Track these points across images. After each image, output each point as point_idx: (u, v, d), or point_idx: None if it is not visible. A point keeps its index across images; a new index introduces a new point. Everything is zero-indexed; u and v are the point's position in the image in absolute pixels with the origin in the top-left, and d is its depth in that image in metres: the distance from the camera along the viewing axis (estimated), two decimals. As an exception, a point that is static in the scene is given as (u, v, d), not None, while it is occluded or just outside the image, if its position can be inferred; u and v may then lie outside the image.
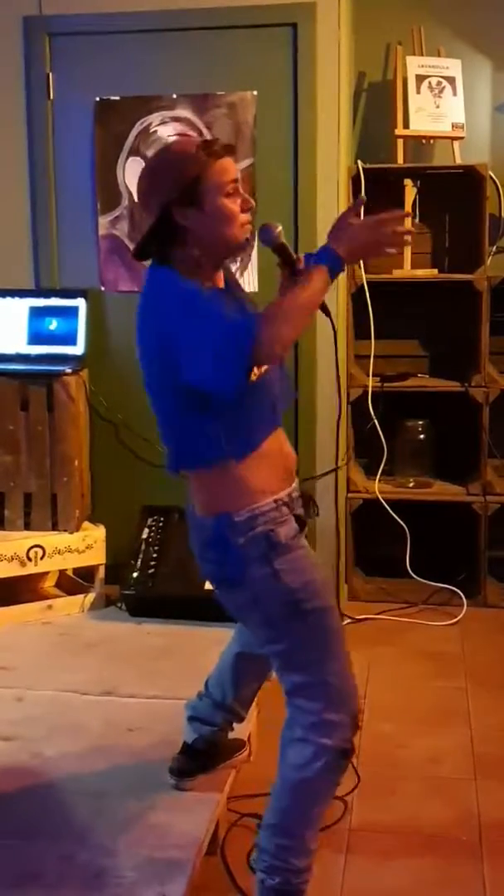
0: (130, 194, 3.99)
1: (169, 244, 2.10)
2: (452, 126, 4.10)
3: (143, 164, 3.91)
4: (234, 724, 2.63)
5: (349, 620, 3.99)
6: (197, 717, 2.59)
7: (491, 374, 4.10)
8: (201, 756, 2.57)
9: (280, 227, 2.17)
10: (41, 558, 3.81)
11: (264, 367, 2.06)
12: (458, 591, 4.15)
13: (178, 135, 3.92)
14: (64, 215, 4.06)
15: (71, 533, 3.87)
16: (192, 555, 2.27)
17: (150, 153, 3.94)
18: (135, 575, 3.73)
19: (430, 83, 4.10)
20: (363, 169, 4.00)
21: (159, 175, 2.10)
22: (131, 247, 4.01)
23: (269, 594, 2.10)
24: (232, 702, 2.56)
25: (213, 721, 2.57)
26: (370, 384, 4.12)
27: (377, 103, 4.30)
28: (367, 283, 4.05)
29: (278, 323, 1.95)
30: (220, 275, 2.20)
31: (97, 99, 3.96)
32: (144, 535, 3.87)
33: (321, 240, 3.95)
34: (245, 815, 2.58)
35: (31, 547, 3.78)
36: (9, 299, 4.01)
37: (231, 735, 2.66)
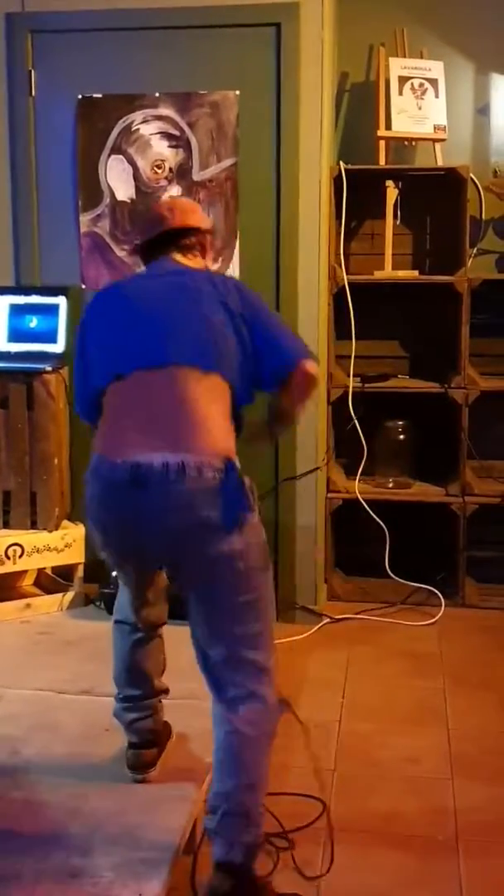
0: (112, 192, 3.98)
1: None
2: (434, 128, 4.12)
3: (125, 161, 3.95)
4: (163, 700, 2.68)
5: (328, 620, 4.00)
6: (133, 719, 2.62)
7: (471, 375, 4.12)
8: (152, 744, 2.62)
9: None
10: (20, 557, 3.80)
11: None
12: (437, 592, 4.16)
13: (160, 133, 3.92)
14: (45, 213, 4.04)
15: (50, 531, 3.87)
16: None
17: (132, 151, 3.94)
18: (114, 573, 3.72)
19: (412, 85, 4.12)
20: (345, 170, 4.01)
21: None
22: (112, 245, 4.01)
23: (257, 541, 2.24)
24: (153, 684, 2.62)
25: (148, 711, 2.62)
26: (350, 385, 4.13)
27: (360, 104, 4.31)
28: (348, 283, 4.06)
29: None
30: None
31: (80, 96, 3.95)
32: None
33: (303, 240, 3.98)
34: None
35: (10, 545, 3.78)
36: (-11, 296, 4.00)
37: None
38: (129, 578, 2.51)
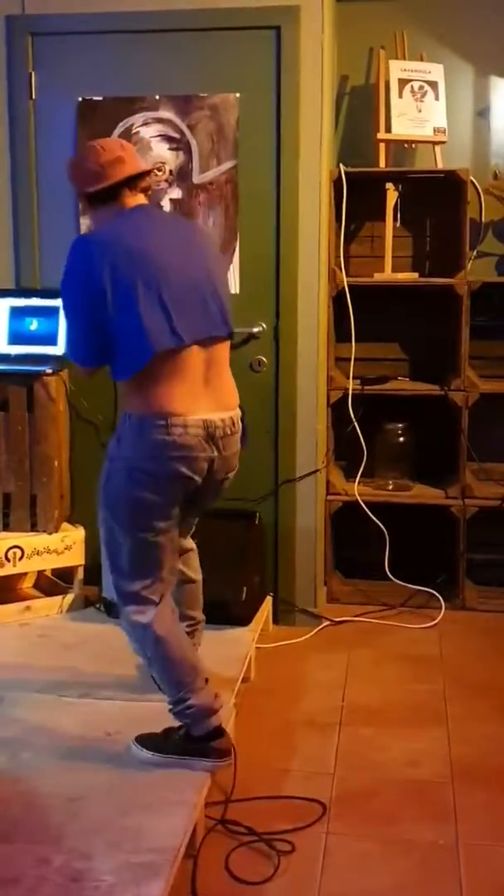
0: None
1: None
2: (434, 130, 4.12)
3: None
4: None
5: (327, 622, 4.00)
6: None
7: (470, 378, 4.12)
8: None
9: None
10: (20, 559, 3.80)
11: None
12: (437, 594, 4.16)
13: (160, 135, 3.93)
14: (45, 215, 4.04)
15: (50, 534, 3.86)
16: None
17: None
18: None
19: (412, 87, 4.12)
20: (345, 172, 4.01)
21: None
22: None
23: None
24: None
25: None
26: (350, 387, 4.14)
27: (359, 107, 4.31)
28: (348, 286, 4.06)
29: None
30: None
31: (80, 99, 3.95)
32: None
33: (303, 243, 3.98)
34: (220, 820, 2.59)
35: (10, 548, 3.77)
36: (-11, 299, 4.00)
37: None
38: (171, 526, 2.70)
